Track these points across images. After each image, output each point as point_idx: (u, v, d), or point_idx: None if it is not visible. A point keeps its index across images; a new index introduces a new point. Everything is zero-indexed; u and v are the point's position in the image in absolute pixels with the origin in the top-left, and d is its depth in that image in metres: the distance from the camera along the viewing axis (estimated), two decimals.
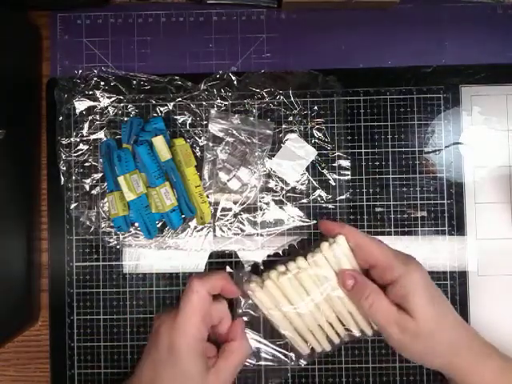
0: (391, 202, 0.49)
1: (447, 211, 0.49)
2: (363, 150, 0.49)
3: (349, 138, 0.49)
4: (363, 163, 0.49)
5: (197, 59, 0.50)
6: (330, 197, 0.49)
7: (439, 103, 0.50)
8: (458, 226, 0.49)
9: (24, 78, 0.49)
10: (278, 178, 0.49)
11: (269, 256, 0.49)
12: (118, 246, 0.49)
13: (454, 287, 0.48)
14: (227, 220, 0.49)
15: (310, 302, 0.44)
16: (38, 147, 0.50)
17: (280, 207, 0.49)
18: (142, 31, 0.50)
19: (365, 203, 0.49)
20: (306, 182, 0.49)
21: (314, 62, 0.50)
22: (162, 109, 0.50)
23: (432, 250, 0.49)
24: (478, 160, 0.49)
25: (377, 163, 0.49)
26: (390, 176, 0.49)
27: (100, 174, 0.49)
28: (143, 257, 0.49)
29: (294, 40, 0.50)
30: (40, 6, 0.50)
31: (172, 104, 0.49)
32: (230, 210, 0.49)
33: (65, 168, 0.49)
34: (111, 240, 0.49)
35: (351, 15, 0.50)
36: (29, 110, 0.49)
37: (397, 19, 0.50)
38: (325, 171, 0.49)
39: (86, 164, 0.49)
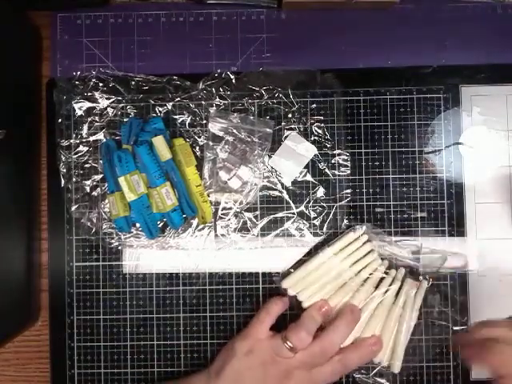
0: (391, 202, 0.49)
1: (447, 211, 0.49)
2: (363, 150, 0.49)
3: (349, 137, 0.49)
4: (363, 163, 0.49)
5: (197, 59, 0.50)
6: (330, 194, 0.49)
7: (439, 103, 0.50)
8: (457, 226, 0.49)
9: (24, 78, 0.49)
10: (278, 175, 0.49)
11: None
12: (119, 247, 0.49)
13: (454, 287, 0.48)
14: (228, 219, 0.49)
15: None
16: (37, 147, 0.50)
17: (280, 205, 0.49)
18: (142, 31, 0.50)
19: (365, 203, 0.49)
20: (306, 179, 0.49)
21: (314, 62, 0.50)
22: (161, 109, 0.49)
23: (432, 251, 0.49)
24: (477, 160, 0.49)
25: (377, 163, 0.49)
26: (390, 176, 0.49)
27: (100, 175, 0.49)
28: (143, 257, 0.49)
29: (294, 40, 0.50)
30: (40, 6, 0.50)
31: (171, 104, 0.49)
32: (230, 208, 0.49)
33: (65, 170, 0.49)
34: (113, 241, 0.49)
35: (351, 15, 0.50)
36: (29, 110, 0.49)
37: (397, 19, 0.50)
38: (325, 168, 0.49)
39: (86, 165, 0.49)
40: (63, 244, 0.49)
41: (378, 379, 0.47)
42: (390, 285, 0.47)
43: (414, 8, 0.50)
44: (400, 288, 0.47)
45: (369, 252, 0.47)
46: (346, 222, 0.49)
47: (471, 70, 0.50)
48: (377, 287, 0.47)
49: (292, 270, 0.48)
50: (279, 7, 0.50)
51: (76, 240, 0.49)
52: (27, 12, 0.50)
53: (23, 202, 0.48)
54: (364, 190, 0.49)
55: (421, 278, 0.47)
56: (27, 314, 0.49)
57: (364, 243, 0.47)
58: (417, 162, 0.49)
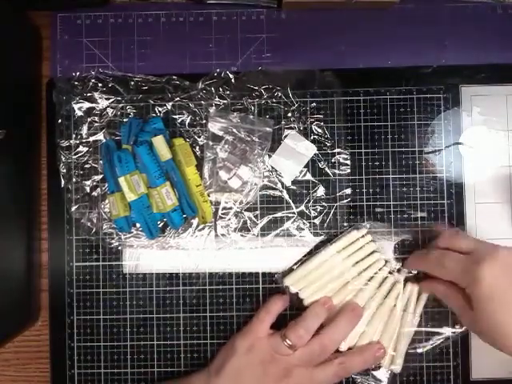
0: (391, 202, 0.49)
1: (447, 211, 0.49)
2: (363, 150, 0.49)
3: (349, 137, 0.49)
4: (363, 163, 0.49)
5: (197, 59, 0.50)
6: (330, 193, 0.49)
7: (439, 103, 0.50)
8: (457, 226, 0.49)
9: (24, 78, 0.49)
10: (278, 175, 0.49)
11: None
12: (119, 247, 0.49)
13: None
14: (228, 219, 0.49)
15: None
16: (37, 147, 0.50)
17: (280, 205, 0.49)
18: (142, 31, 0.50)
19: (365, 203, 0.49)
20: (306, 178, 0.49)
21: (314, 62, 0.50)
22: (160, 109, 0.49)
23: None
24: (477, 160, 0.49)
25: (377, 163, 0.49)
26: (390, 176, 0.49)
27: (100, 176, 0.49)
28: (143, 257, 0.49)
29: (294, 40, 0.50)
30: (40, 6, 0.50)
31: (170, 104, 0.49)
32: (230, 208, 0.49)
33: (65, 170, 0.49)
34: (113, 241, 0.49)
35: (351, 15, 0.50)
36: (29, 110, 0.49)
37: (397, 19, 0.50)
38: (325, 167, 0.49)
39: (86, 166, 0.49)
40: (63, 244, 0.49)
41: (377, 377, 0.47)
42: (393, 286, 0.47)
43: (413, 8, 0.50)
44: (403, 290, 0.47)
45: (372, 252, 0.47)
46: (346, 221, 0.49)
47: (471, 69, 0.50)
48: (379, 287, 0.47)
49: (294, 267, 0.48)
50: (279, 7, 0.50)
51: (76, 240, 0.49)
52: (27, 12, 0.50)
53: (23, 202, 0.48)
54: (364, 190, 0.49)
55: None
56: (27, 314, 0.48)
57: (368, 243, 0.47)
58: (417, 161, 0.49)
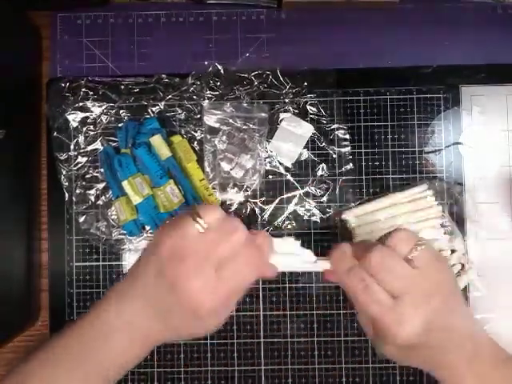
0: None
1: (447, 211, 0.49)
2: (363, 150, 0.49)
3: (349, 137, 0.49)
4: (363, 163, 0.49)
5: (197, 59, 0.50)
6: (332, 169, 0.49)
7: (439, 103, 0.50)
8: (458, 226, 0.49)
9: (24, 78, 0.49)
10: (280, 159, 0.49)
11: None
12: (132, 252, 0.49)
13: None
14: (236, 209, 0.49)
15: None
16: (37, 147, 0.50)
17: (285, 188, 0.49)
18: (142, 31, 0.50)
19: None
20: (308, 158, 0.49)
21: (314, 62, 0.50)
22: (154, 109, 0.49)
23: None
24: (477, 160, 0.49)
25: (377, 163, 0.49)
26: (390, 176, 0.49)
27: (102, 184, 0.49)
28: None
29: (294, 40, 0.50)
30: (40, 6, 0.50)
31: (163, 103, 0.49)
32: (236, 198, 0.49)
33: (67, 183, 0.49)
34: (125, 247, 0.49)
35: (351, 15, 0.50)
36: (29, 110, 0.49)
37: (397, 19, 0.50)
38: (324, 145, 0.49)
39: (87, 176, 0.49)
40: (63, 244, 0.49)
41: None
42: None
43: (413, 8, 0.50)
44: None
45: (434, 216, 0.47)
46: (352, 195, 0.49)
47: (471, 69, 0.50)
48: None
49: (353, 204, 0.48)
50: (279, 7, 0.50)
51: (76, 240, 0.49)
52: (27, 12, 0.50)
53: (23, 202, 0.48)
54: (364, 190, 0.49)
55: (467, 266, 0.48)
56: (27, 314, 0.48)
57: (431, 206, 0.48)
58: (417, 161, 0.49)
